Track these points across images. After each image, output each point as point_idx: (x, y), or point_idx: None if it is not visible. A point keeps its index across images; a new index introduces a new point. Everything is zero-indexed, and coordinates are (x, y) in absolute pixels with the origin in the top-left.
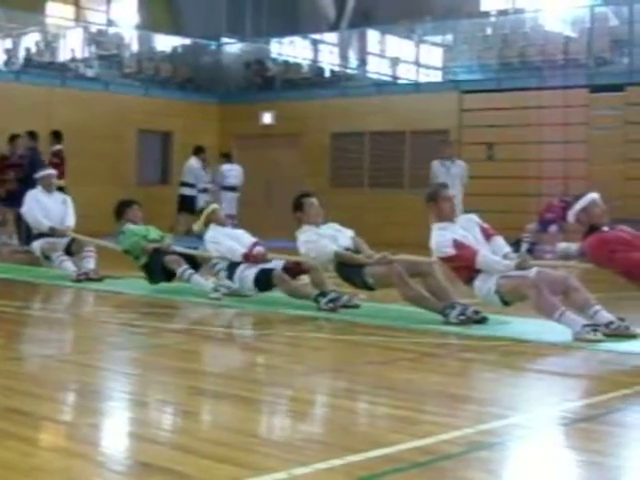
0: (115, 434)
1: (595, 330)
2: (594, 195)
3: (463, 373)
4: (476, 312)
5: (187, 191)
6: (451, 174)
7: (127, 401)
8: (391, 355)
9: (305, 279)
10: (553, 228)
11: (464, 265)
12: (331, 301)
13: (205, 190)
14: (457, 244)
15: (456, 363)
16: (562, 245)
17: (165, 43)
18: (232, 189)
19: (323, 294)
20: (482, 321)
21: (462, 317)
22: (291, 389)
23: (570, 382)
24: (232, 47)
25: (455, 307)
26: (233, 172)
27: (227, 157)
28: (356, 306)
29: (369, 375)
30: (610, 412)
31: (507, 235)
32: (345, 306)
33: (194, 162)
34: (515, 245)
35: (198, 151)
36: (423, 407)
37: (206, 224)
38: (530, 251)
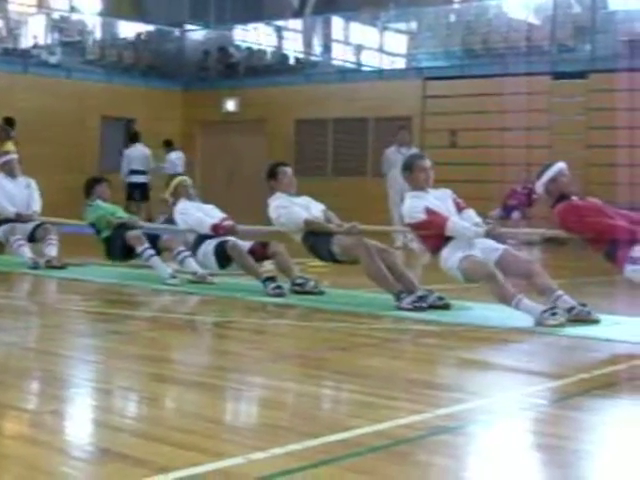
0: (77, 421)
1: (554, 314)
2: (561, 164)
3: (425, 359)
4: (440, 298)
5: (137, 179)
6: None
7: (90, 388)
8: (353, 341)
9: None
10: (516, 214)
11: (434, 233)
12: (278, 287)
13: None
14: (428, 210)
15: (418, 349)
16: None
17: (128, 30)
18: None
19: (272, 279)
20: (445, 307)
21: (416, 304)
22: (253, 375)
23: (531, 367)
24: (195, 34)
25: (411, 294)
26: (179, 160)
27: (170, 145)
28: (321, 292)
29: (331, 361)
30: (570, 396)
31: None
32: (311, 292)
33: (142, 149)
34: None
35: (135, 138)
36: (384, 392)
37: (174, 195)
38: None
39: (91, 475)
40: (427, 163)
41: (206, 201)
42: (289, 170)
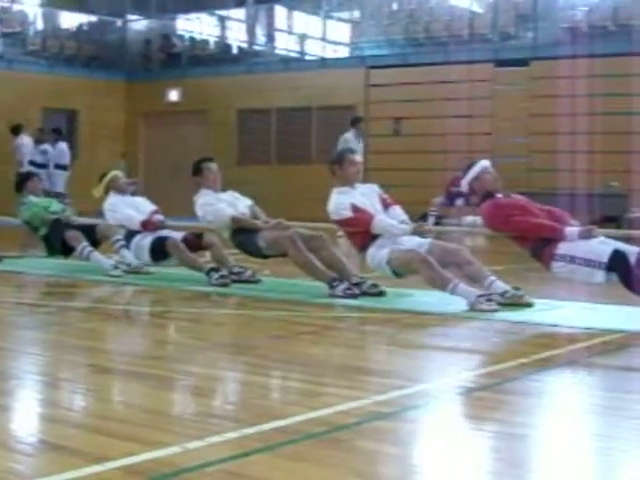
0: (15, 413)
1: (489, 300)
2: (485, 162)
3: (362, 346)
4: (374, 285)
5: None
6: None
7: (29, 380)
8: (292, 329)
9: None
10: (459, 202)
11: (360, 230)
12: (222, 277)
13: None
14: (355, 208)
15: (356, 336)
16: (468, 219)
17: (70, 20)
18: (65, 167)
19: (216, 269)
20: (380, 294)
21: (349, 291)
22: (190, 364)
23: (467, 352)
24: (138, 24)
25: (343, 281)
26: (66, 150)
27: (59, 134)
28: (258, 281)
29: (269, 349)
30: (506, 381)
31: (414, 209)
32: (248, 281)
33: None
34: (422, 219)
35: (17, 130)
36: (322, 380)
37: (106, 191)
38: (437, 224)
39: (27, 466)
40: (357, 158)
41: (150, 192)
42: (214, 166)
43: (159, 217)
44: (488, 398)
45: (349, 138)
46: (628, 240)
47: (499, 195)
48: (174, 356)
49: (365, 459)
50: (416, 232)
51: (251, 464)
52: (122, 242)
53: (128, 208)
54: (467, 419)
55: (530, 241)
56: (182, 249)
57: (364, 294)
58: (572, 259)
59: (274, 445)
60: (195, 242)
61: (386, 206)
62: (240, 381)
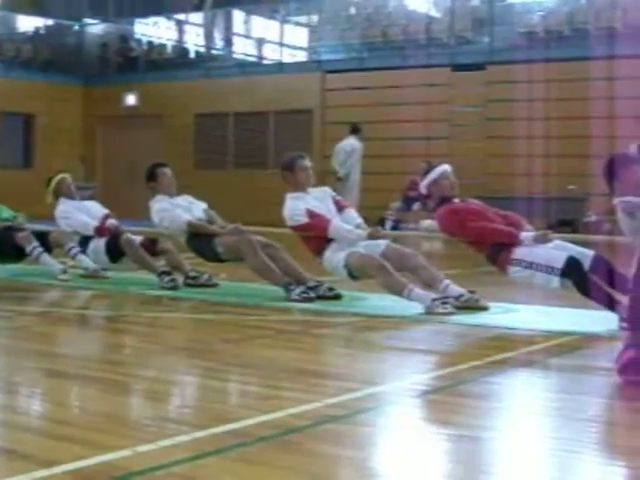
0: None
1: (445, 303)
2: (445, 167)
3: (317, 349)
4: (330, 289)
5: None
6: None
7: None
8: (247, 333)
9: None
10: (417, 206)
11: (316, 235)
12: (172, 280)
13: None
14: (310, 213)
15: (311, 339)
16: (425, 222)
17: (26, 24)
18: None
19: (167, 272)
20: (336, 298)
21: (305, 295)
22: (144, 368)
23: (421, 355)
24: (95, 28)
25: (300, 285)
26: None
27: None
28: (215, 285)
29: (224, 353)
30: (460, 383)
31: (372, 214)
32: (204, 285)
33: None
34: (380, 223)
35: None
36: (275, 383)
37: (56, 196)
38: (395, 229)
39: None
40: (307, 163)
41: (108, 196)
42: (168, 171)
43: (113, 222)
44: (442, 401)
45: (356, 146)
46: (584, 244)
47: (455, 200)
48: (128, 360)
49: (315, 462)
50: (372, 237)
51: (201, 467)
52: (77, 248)
53: (81, 214)
54: (421, 421)
55: (486, 246)
56: (135, 246)
57: (320, 298)
58: (528, 264)
59: (225, 448)
60: (150, 248)
61: (340, 209)
62: (194, 385)
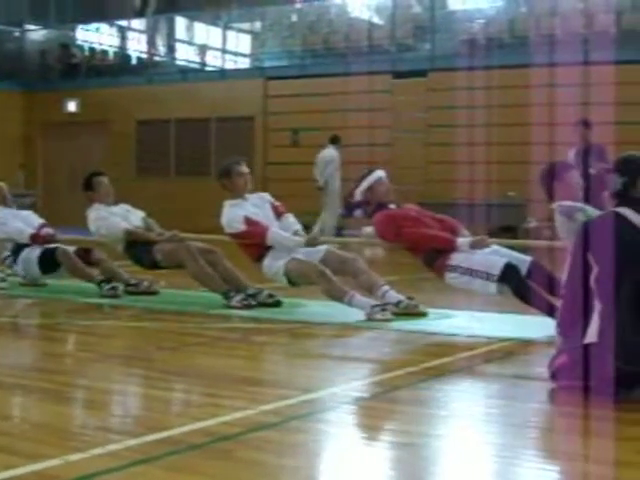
0: None
1: (384, 309)
2: (380, 173)
3: (253, 356)
4: (270, 296)
5: None
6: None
7: None
8: (183, 340)
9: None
10: (358, 212)
11: (254, 242)
12: (113, 288)
13: None
14: (248, 220)
15: (247, 346)
16: (367, 229)
17: None
18: None
19: (107, 280)
20: (276, 304)
21: (245, 302)
22: (77, 377)
23: (359, 361)
24: (36, 33)
25: (240, 292)
26: None
27: None
28: (156, 292)
29: (159, 361)
30: (395, 389)
31: (313, 220)
32: (145, 292)
33: None
34: (322, 230)
35: None
36: (209, 391)
37: None
38: (338, 235)
39: None
40: (244, 168)
41: (49, 203)
42: (105, 180)
43: (49, 230)
44: (376, 407)
45: (335, 155)
46: (524, 250)
47: (392, 206)
48: (60, 368)
49: (245, 469)
50: (310, 244)
51: (131, 476)
52: (11, 258)
53: (17, 221)
54: (355, 428)
55: (423, 252)
56: (73, 258)
57: (260, 304)
58: (465, 270)
59: (155, 456)
60: (84, 257)
61: (279, 214)
62: (128, 393)
